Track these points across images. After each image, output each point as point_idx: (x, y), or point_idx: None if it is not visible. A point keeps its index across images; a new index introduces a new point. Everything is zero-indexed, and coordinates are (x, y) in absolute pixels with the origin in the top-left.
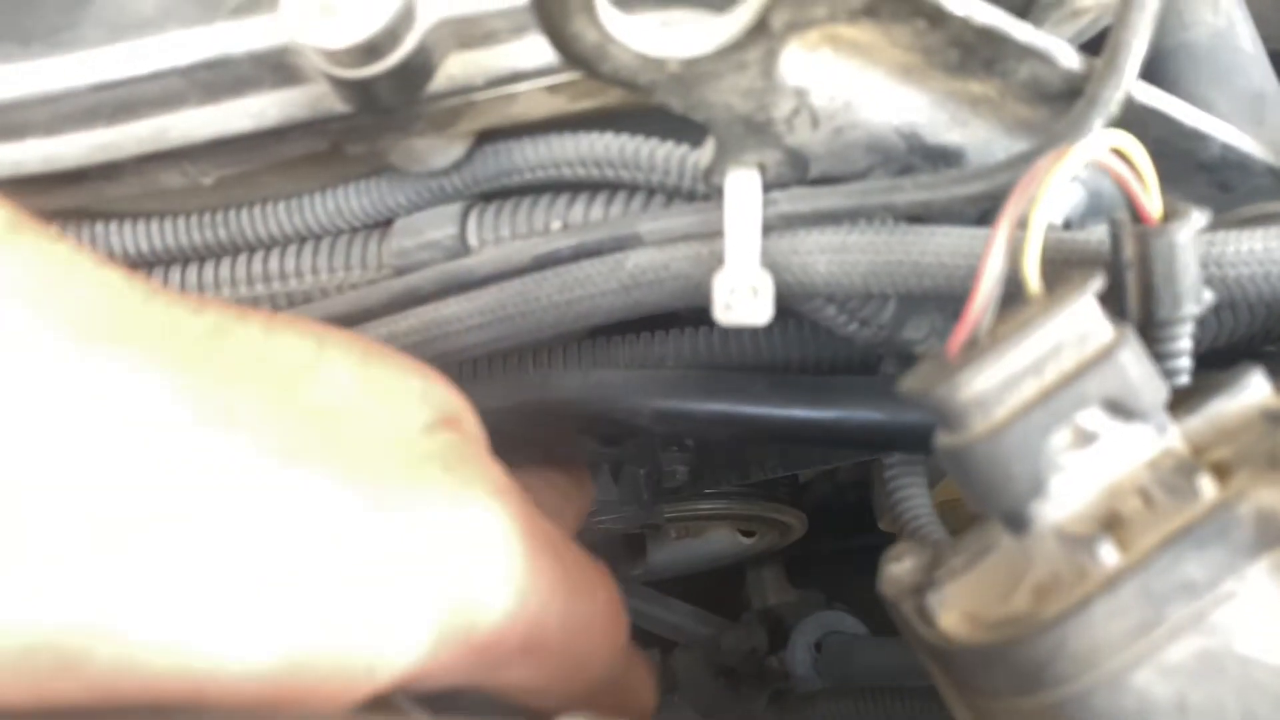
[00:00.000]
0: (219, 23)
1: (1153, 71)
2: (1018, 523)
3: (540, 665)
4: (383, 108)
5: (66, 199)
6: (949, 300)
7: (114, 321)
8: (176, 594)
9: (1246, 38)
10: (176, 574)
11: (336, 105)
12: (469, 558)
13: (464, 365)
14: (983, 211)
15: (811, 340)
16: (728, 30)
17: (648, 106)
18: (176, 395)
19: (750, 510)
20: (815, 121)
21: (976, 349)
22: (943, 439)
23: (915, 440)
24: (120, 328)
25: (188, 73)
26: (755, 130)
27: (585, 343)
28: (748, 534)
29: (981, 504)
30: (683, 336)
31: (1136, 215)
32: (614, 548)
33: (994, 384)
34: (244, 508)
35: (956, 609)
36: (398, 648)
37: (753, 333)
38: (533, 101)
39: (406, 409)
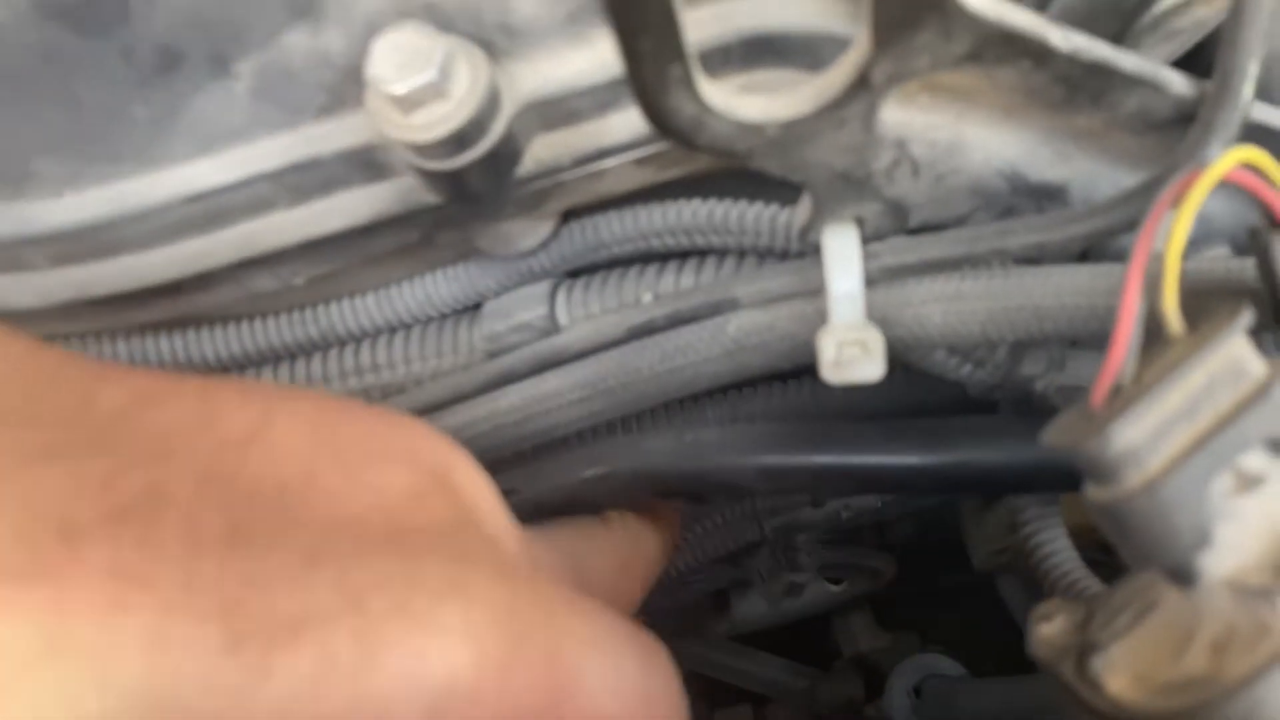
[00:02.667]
0: (304, 126)
1: None
2: (1184, 576)
3: None
4: (472, 196)
5: (161, 311)
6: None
7: (16, 407)
8: None
9: None
10: None
11: (426, 197)
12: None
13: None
14: (1085, 249)
15: (904, 385)
16: (827, 89)
17: (732, 168)
18: (83, 484)
19: (837, 557)
20: (916, 170)
21: (1122, 397)
22: (1094, 494)
23: (1042, 481)
24: (23, 413)
25: (276, 177)
26: (854, 185)
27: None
28: (835, 581)
29: (1141, 559)
30: (771, 391)
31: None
32: (698, 604)
33: (1146, 433)
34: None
35: (1125, 672)
36: None
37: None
38: (621, 176)
39: (384, 476)
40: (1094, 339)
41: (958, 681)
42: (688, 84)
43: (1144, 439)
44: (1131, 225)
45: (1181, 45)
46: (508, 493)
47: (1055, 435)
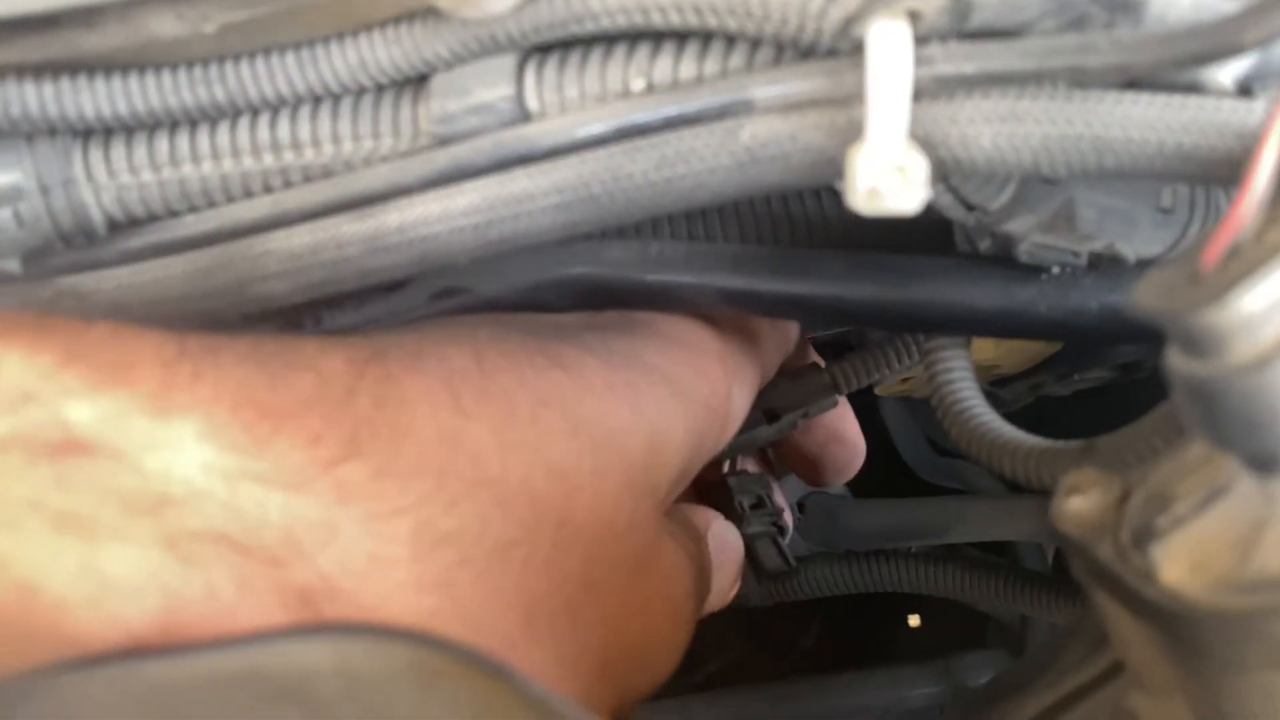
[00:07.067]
0: None
1: None
2: (1270, 465)
3: None
4: None
5: (31, 50)
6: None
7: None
8: None
9: None
10: None
11: None
12: None
13: None
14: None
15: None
16: None
17: None
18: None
19: None
20: None
21: (1241, 260)
22: (1183, 365)
23: (1002, 325)
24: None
25: None
26: None
27: None
28: None
29: (1227, 443)
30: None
31: None
32: None
33: (1266, 304)
34: None
35: (1182, 561)
36: None
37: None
38: None
39: None
40: (1155, 179)
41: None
42: None
43: (1264, 310)
44: (1232, 52)
45: None
46: (458, 291)
47: (1149, 296)
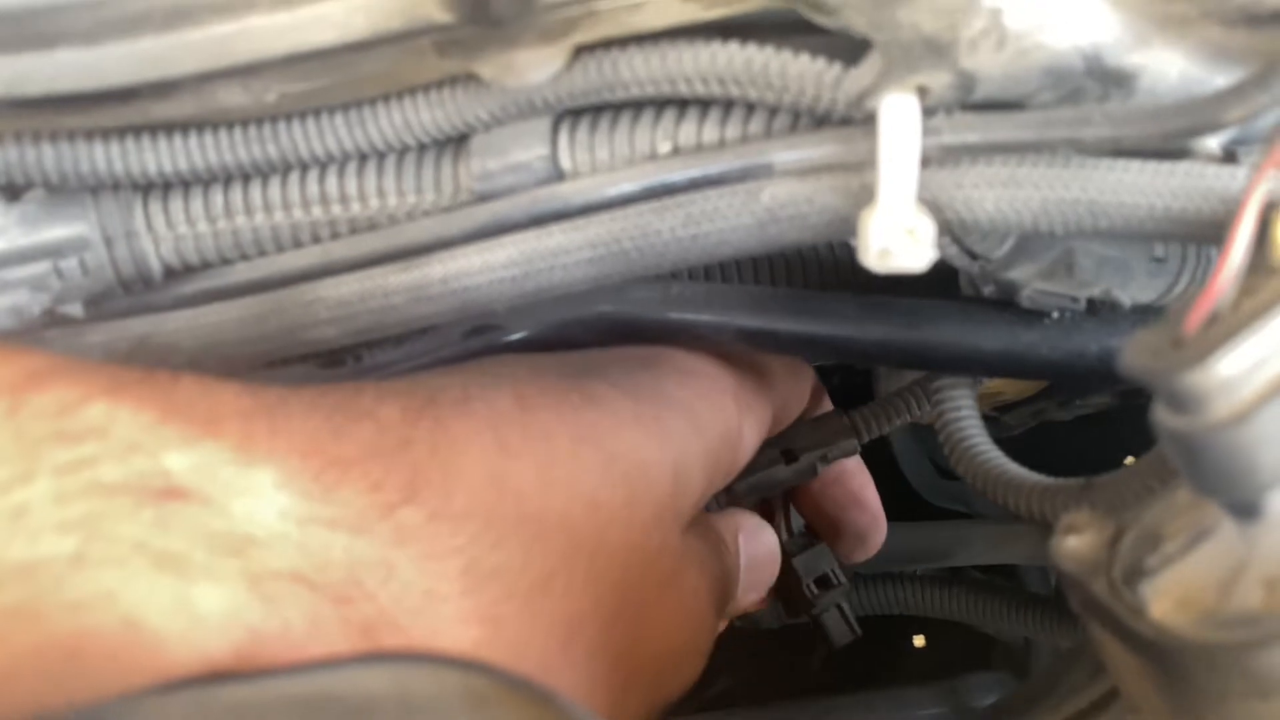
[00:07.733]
0: None
1: None
2: (1249, 512)
3: None
4: (492, 17)
5: (107, 118)
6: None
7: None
8: None
9: None
10: None
11: (436, 14)
12: None
13: None
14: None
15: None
16: None
17: (772, 18)
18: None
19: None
20: (1002, 42)
21: (1220, 326)
22: (1169, 420)
23: (1008, 367)
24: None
25: None
26: (934, 51)
27: None
28: None
29: (1209, 491)
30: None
31: None
32: None
33: (1245, 366)
34: None
35: (1170, 597)
36: None
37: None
38: (660, 9)
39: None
40: (1147, 239)
41: None
42: None
43: (1242, 372)
44: (1215, 129)
45: None
46: (489, 329)
47: (1138, 357)
